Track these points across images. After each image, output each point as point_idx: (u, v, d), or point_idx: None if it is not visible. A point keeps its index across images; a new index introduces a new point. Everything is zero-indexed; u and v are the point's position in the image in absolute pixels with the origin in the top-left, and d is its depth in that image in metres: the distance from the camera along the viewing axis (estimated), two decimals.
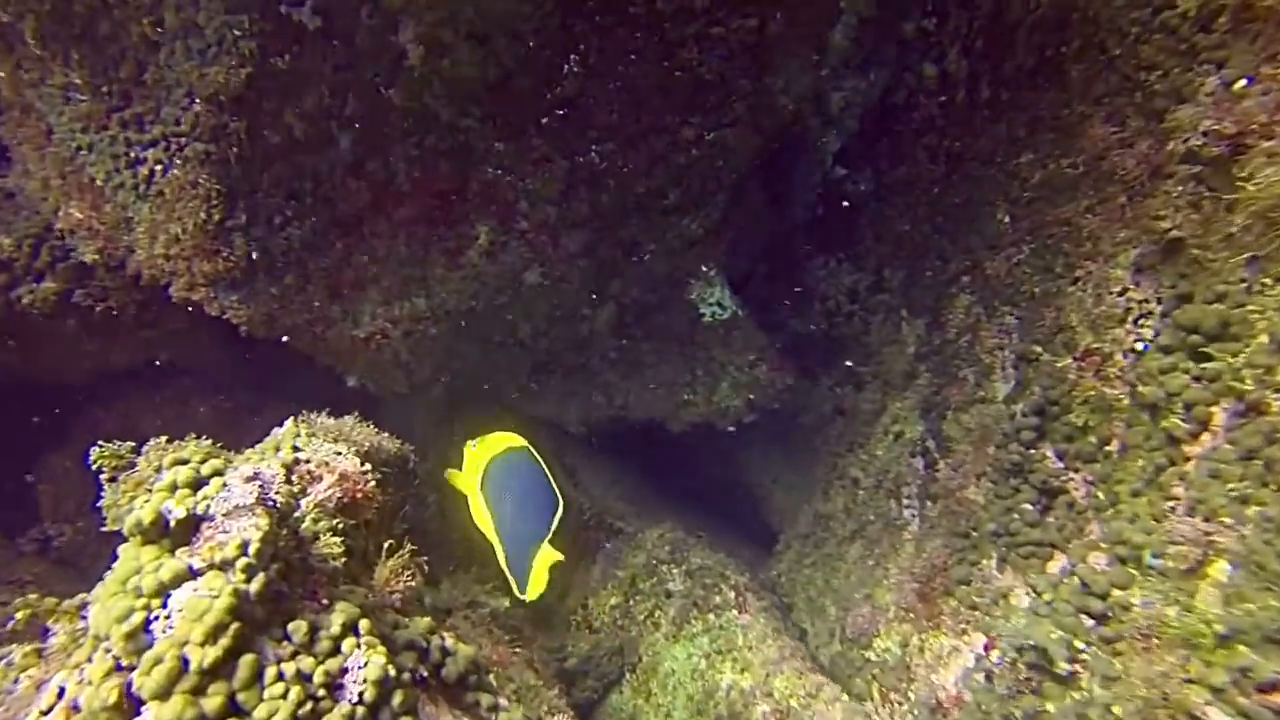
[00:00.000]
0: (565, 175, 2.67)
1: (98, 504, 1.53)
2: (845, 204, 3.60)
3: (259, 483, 1.27)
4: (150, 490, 1.31)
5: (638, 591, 2.81)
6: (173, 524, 1.23)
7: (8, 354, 2.87)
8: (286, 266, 2.48)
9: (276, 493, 1.29)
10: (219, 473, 1.30)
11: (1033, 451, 2.00)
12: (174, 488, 1.27)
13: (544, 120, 2.58)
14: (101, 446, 1.55)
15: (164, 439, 1.57)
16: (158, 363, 3.36)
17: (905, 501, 2.51)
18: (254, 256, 2.37)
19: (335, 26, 2.22)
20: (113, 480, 1.54)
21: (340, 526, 1.40)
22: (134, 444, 1.59)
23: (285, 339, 2.72)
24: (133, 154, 2.33)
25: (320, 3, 2.18)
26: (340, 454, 1.51)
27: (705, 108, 2.74)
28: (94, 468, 1.57)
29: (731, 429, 3.46)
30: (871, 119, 3.43)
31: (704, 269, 3.22)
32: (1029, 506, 1.97)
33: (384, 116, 2.41)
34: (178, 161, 2.30)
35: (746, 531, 3.90)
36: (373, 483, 1.48)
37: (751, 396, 3.37)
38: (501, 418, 2.92)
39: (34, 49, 2.35)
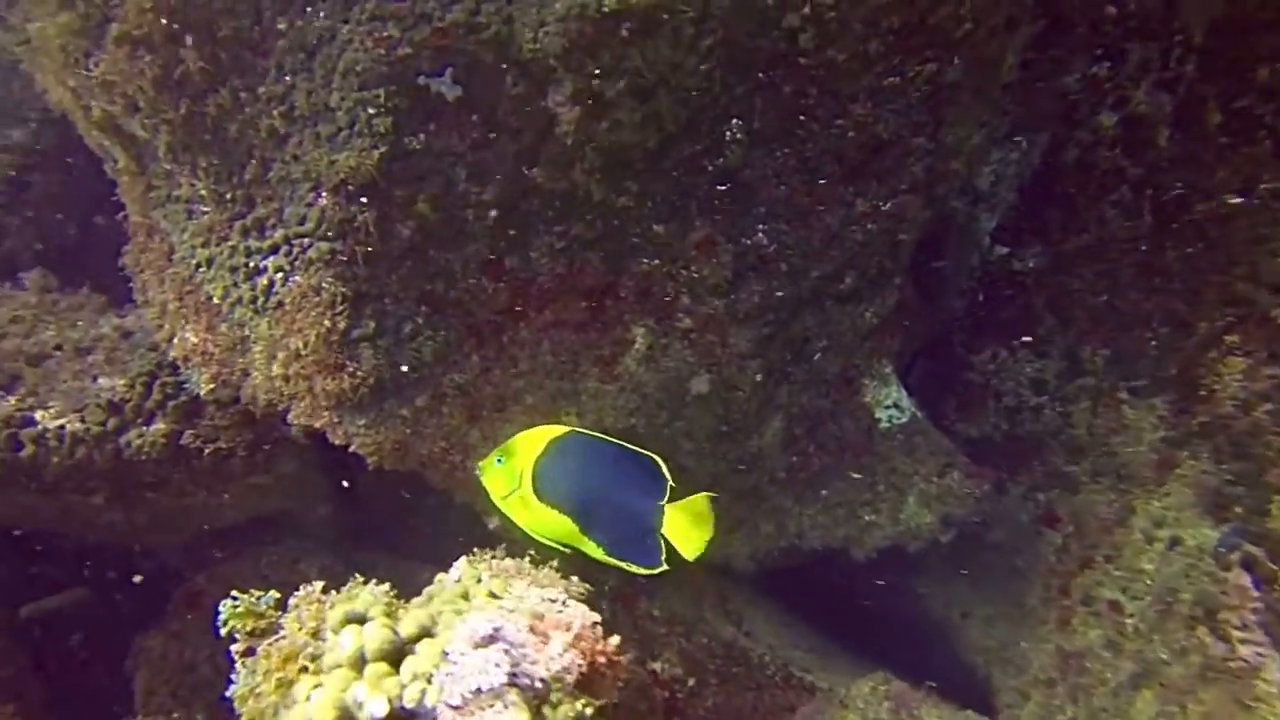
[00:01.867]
0: (732, 261, 2.18)
1: (226, 695, 0.98)
2: (1012, 285, 3.04)
3: (502, 647, 0.71)
4: (315, 667, 0.76)
5: None
6: None
7: (113, 511, 2.40)
8: (418, 385, 1.99)
9: (535, 663, 0.73)
10: (427, 633, 0.74)
11: None
12: (361, 662, 0.72)
13: (705, 197, 2.13)
14: (235, 599, 1.02)
15: (318, 586, 1.03)
16: (261, 517, 2.86)
17: (1240, 635, 1.78)
18: (383, 373, 1.88)
19: (476, 97, 1.82)
20: (248, 654, 1.00)
21: (589, 714, 0.81)
22: (278, 595, 1.06)
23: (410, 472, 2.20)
24: (252, 264, 1.92)
25: (461, 71, 1.79)
26: (556, 601, 0.94)
27: (881, 173, 2.27)
28: (223, 631, 1.04)
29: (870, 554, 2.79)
30: (1034, 188, 2.93)
31: (878, 366, 2.64)
32: None
33: (526, 201, 1.98)
34: (299, 266, 1.87)
35: (935, 677, 3.09)
36: (615, 642, 0.89)
37: (946, 510, 2.69)
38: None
39: (164, 164, 2.01)
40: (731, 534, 2.63)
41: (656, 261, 2.14)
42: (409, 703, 0.72)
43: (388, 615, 0.83)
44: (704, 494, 1.80)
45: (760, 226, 2.19)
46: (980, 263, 3.15)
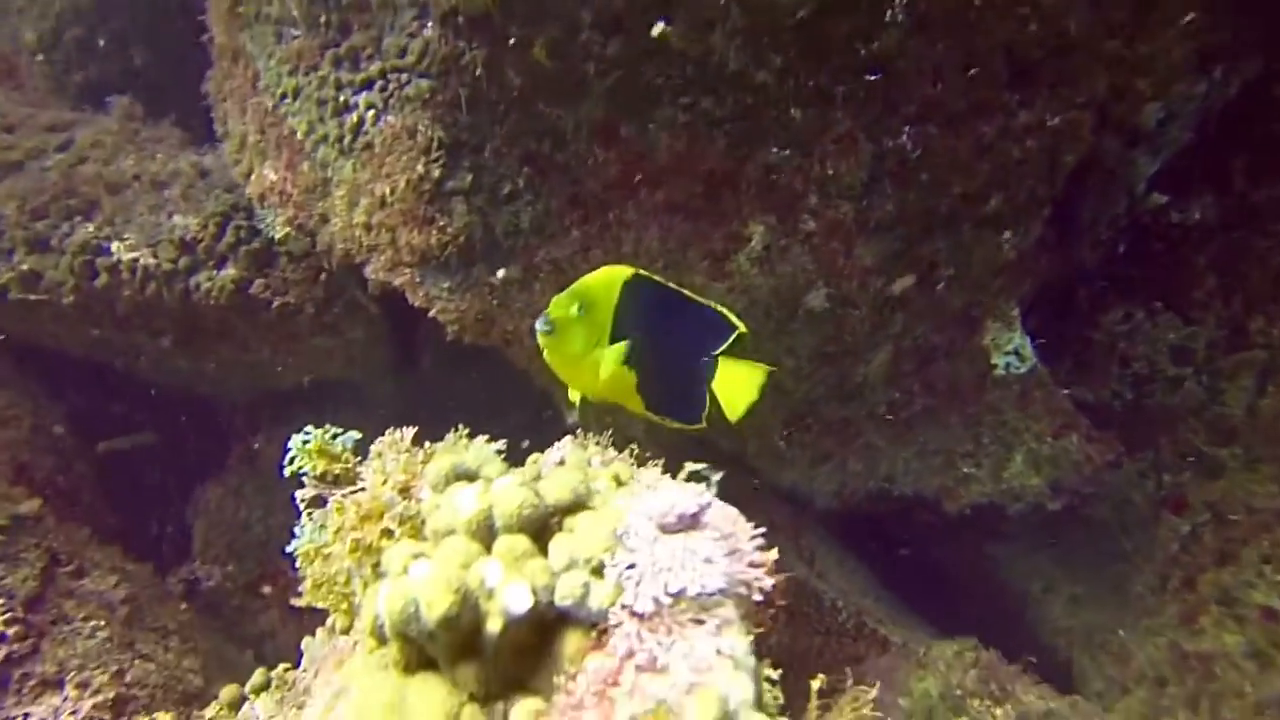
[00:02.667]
0: (870, 163, 1.90)
1: (289, 549, 0.81)
2: (1166, 239, 2.67)
3: (713, 535, 0.50)
4: (406, 531, 0.58)
5: None
6: (496, 631, 0.47)
7: (180, 357, 2.30)
8: (511, 254, 1.78)
9: (756, 566, 0.52)
10: (582, 504, 0.54)
11: None
12: (487, 532, 0.52)
13: (852, 85, 1.83)
14: (307, 434, 0.86)
15: (408, 434, 0.85)
16: (324, 384, 2.74)
17: None
18: (474, 233, 1.67)
19: None
20: (316, 504, 0.83)
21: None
22: (359, 436, 0.89)
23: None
24: (342, 98, 1.71)
25: None
26: (699, 496, 0.72)
27: (1057, 79, 1.94)
28: (288, 470, 0.88)
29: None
30: (1221, 127, 2.52)
31: (1004, 306, 2.35)
32: None
33: (654, 63, 1.72)
34: (394, 105, 1.66)
35: (1004, 650, 2.86)
36: (774, 554, 0.68)
37: (1058, 475, 2.42)
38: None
39: None
40: (817, 467, 2.42)
41: (787, 152, 1.87)
42: (564, 599, 0.50)
43: (502, 472, 0.63)
44: (765, 365, 1.56)
45: (906, 128, 1.90)
46: (1128, 211, 2.77)
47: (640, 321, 1.48)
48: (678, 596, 0.49)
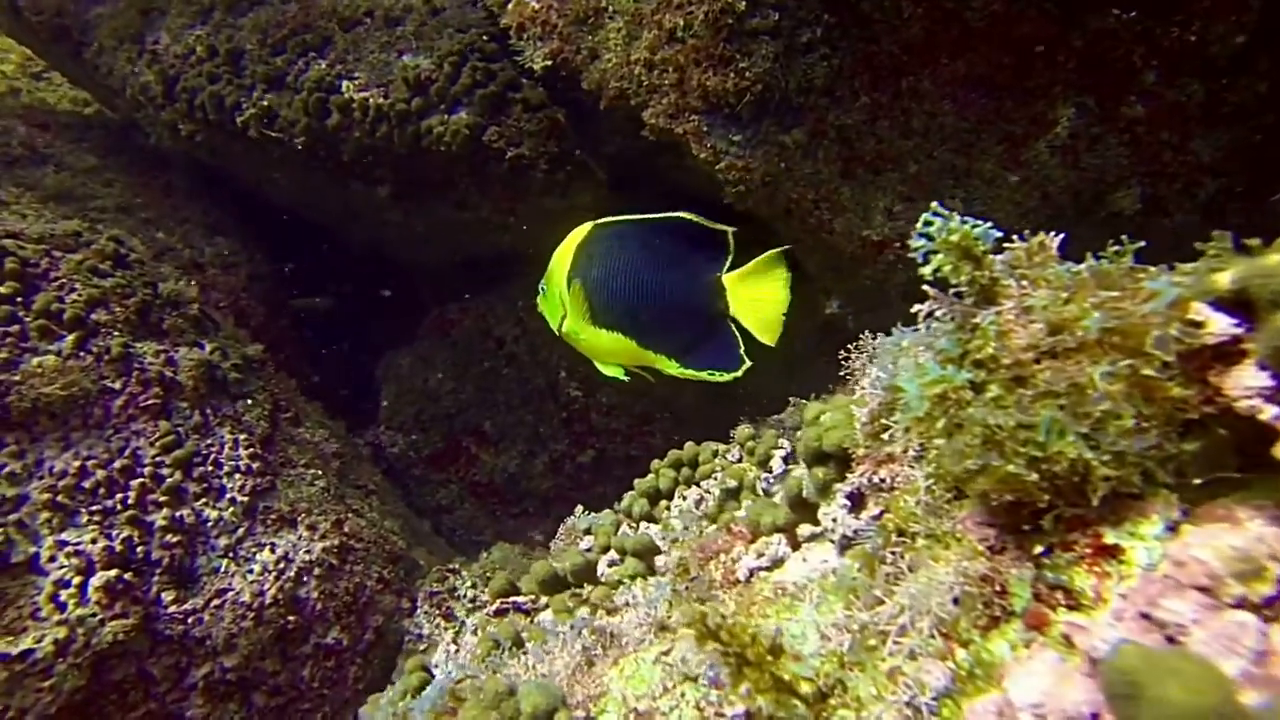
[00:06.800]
0: (1256, 23, 1.57)
1: (903, 383, 0.63)
2: None
3: None
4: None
5: None
6: None
7: (393, 209, 2.25)
8: (800, 113, 1.59)
9: None
10: None
11: None
12: None
13: None
14: (944, 219, 0.67)
15: (1051, 240, 0.66)
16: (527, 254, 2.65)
17: None
18: (773, 82, 1.48)
19: None
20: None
21: None
22: (997, 232, 0.70)
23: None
24: None
25: None
26: None
27: None
28: (926, 270, 0.69)
29: None
30: None
31: None
32: None
33: None
34: None
35: None
36: None
37: None
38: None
39: None
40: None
41: (1133, 14, 1.57)
42: None
43: None
44: (774, 250, 1.43)
45: None
46: None
47: (611, 274, 1.45)
48: None
